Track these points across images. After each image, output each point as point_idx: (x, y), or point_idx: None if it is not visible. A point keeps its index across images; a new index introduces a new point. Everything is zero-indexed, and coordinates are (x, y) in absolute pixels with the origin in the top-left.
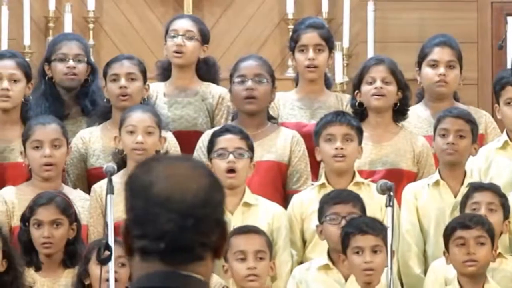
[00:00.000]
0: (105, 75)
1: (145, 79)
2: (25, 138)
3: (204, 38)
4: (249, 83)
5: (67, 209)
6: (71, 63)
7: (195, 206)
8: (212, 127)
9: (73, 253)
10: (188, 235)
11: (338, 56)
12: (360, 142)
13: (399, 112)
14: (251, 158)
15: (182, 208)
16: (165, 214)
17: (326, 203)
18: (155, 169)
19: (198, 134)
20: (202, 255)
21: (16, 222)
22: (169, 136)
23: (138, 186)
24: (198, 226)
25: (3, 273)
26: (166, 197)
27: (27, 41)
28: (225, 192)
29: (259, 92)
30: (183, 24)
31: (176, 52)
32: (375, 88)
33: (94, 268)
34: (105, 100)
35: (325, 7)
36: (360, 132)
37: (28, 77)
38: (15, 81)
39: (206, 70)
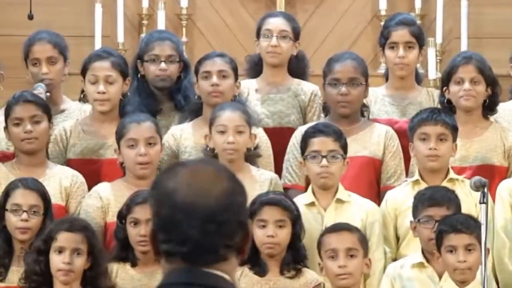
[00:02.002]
0: (196, 72)
1: (236, 77)
2: (119, 136)
3: (296, 36)
4: (343, 89)
5: None
6: (163, 65)
7: (218, 211)
8: (305, 123)
9: None
10: (211, 239)
11: (431, 52)
12: (454, 140)
13: (488, 108)
14: (345, 158)
15: (205, 214)
16: (188, 220)
17: (421, 202)
18: (178, 175)
19: (291, 130)
20: (226, 256)
21: (111, 218)
22: (259, 132)
23: (163, 193)
24: (221, 230)
25: (87, 269)
26: (189, 204)
27: (120, 38)
28: (247, 194)
29: (353, 96)
30: (277, 24)
31: (271, 52)
32: (464, 90)
33: None
34: (196, 97)
35: (418, 3)
36: (455, 130)
37: (124, 75)
38: (110, 83)
39: (296, 65)
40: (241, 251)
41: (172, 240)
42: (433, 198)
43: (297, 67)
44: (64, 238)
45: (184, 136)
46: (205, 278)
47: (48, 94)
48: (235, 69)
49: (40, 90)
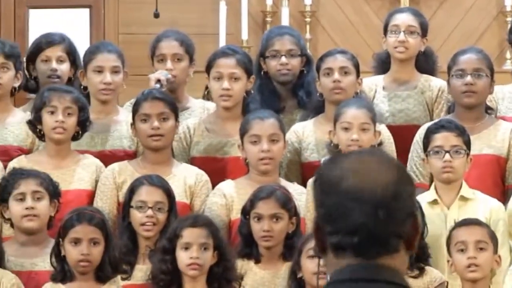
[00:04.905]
0: (318, 69)
1: (358, 73)
2: (243, 133)
3: (424, 31)
4: (468, 78)
5: (287, 203)
6: (283, 59)
7: (386, 198)
8: (431, 120)
9: (292, 247)
10: (381, 226)
11: None
12: None
13: None
14: (468, 154)
15: (373, 201)
16: (357, 207)
17: None
18: (342, 164)
19: (417, 128)
20: (396, 247)
21: (235, 215)
22: (382, 129)
23: (327, 182)
24: (391, 217)
25: (214, 264)
26: (357, 191)
27: (244, 35)
28: (415, 185)
29: (478, 87)
30: (405, 19)
31: (399, 47)
32: None
33: (305, 262)
34: (318, 94)
35: None
36: None
37: (249, 73)
38: (235, 79)
39: (424, 61)
40: (411, 245)
41: (341, 230)
42: None
43: (425, 63)
44: (189, 234)
45: (306, 134)
46: (382, 273)
47: (163, 89)
48: (356, 66)
49: (160, 82)
